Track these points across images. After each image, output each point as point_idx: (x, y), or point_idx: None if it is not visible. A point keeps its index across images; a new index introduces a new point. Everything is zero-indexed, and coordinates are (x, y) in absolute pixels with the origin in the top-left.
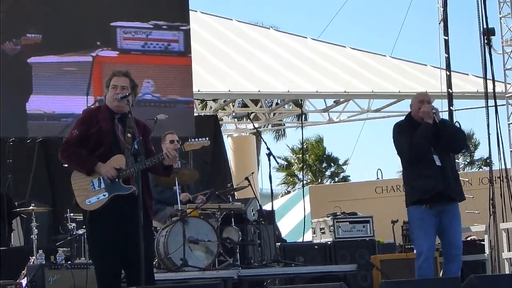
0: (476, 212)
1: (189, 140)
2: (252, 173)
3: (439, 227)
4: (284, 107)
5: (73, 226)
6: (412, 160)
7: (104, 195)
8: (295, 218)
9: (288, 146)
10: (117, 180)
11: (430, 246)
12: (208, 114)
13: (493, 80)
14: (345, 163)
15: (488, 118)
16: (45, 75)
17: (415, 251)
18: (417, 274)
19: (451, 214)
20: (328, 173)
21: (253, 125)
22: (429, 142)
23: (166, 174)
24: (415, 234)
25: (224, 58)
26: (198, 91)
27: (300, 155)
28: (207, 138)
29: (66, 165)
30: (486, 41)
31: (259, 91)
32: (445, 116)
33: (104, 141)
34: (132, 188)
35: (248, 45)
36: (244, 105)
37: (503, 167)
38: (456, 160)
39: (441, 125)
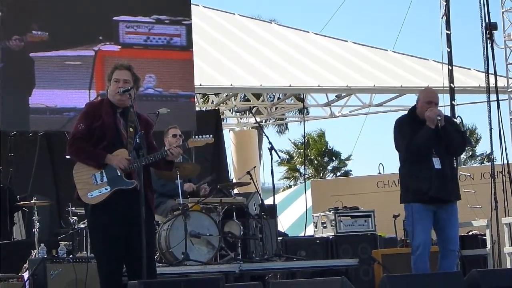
0: (478, 206)
1: (193, 136)
2: (254, 167)
3: (436, 222)
4: (286, 102)
5: (75, 220)
6: (409, 159)
7: (106, 189)
8: (296, 212)
9: (290, 140)
10: (119, 174)
11: (426, 241)
12: (210, 108)
13: (495, 75)
14: (348, 158)
15: (490, 113)
16: (47, 69)
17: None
18: (412, 269)
19: (449, 210)
20: (330, 167)
21: (255, 119)
22: (428, 146)
23: (168, 169)
24: (411, 228)
25: (226, 52)
26: (200, 85)
27: (302, 150)
28: (211, 135)
29: (73, 159)
30: (488, 36)
31: (261, 85)
32: (447, 110)
33: (107, 135)
34: (134, 182)
35: (250, 39)
36: (246, 99)
37: (505, 161)
38: None
39: (443, 131)
